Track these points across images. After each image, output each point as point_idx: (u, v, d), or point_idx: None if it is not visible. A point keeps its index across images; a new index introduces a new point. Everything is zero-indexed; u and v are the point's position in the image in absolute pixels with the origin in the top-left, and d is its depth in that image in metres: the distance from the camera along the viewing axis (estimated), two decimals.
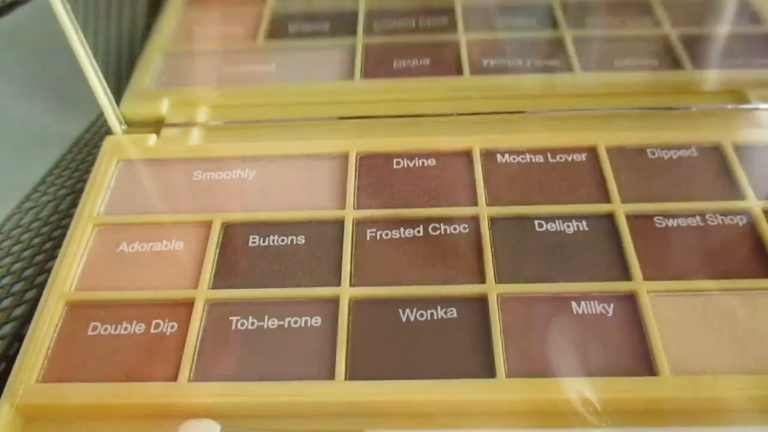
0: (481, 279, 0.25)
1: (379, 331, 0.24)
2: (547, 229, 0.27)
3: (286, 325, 0.25)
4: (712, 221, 0.27)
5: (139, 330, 0.25)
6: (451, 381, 0.22)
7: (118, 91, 0.33)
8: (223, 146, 0.31)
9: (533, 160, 0.30)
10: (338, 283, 0.25)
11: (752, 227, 0.26)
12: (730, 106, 0.31)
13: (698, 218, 0.27)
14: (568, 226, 0.27)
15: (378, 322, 0.24)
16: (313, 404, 0.22)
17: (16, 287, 0.29)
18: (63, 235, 0.28)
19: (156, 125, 0.32)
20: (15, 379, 0.23)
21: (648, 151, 0.30)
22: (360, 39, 0.37)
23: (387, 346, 0.24)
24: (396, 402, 0.22)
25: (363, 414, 0.22)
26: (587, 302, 0.24)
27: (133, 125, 0.33)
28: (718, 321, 0.24)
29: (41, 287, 0.26)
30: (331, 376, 0.23)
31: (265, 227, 0.28)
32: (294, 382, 0.23)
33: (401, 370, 0.23)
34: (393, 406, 0.22)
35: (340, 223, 0.28)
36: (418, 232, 0.27)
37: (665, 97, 0.32)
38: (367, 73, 0.35)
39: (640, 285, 0.24)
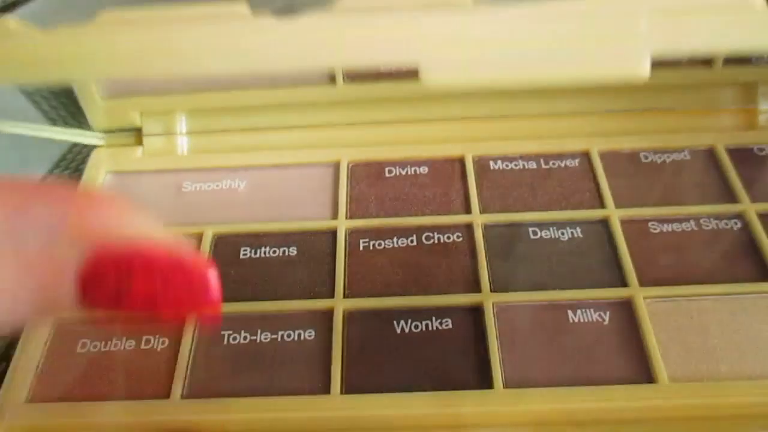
0: (476, 288, 0.25)
1: (373, 343, 0.24)
2: (541, 236, 0.27)
3: (279, 339, 0.24)
4: (707, 226, 0.26)
5: (130, 346, 0.24)
6: (449, 393, 0.22)
7: None
8: (213, 157, 0.31)
9: (526, 167, 0.29)
10: (331, 295, 0.25)
11: (747, 230, 0.26)
12: (733, 107, 0.31)
13: (693, 223, 0.27)
14: (563, 233, 0.27)
15: (372, 334, 0.24)
16: (308, 419, 0.22)
17: None
18: None
19: (136, 132, 0.32)
20: (3, 399, 0.23)
21: (641, 155, 0.29)
22: None
23: (382, 359, 0.23)
24: (393, 416, 0.22)
25: (359, 428, 0.22)
26: (583, 310, 0.24)
27: (112, 131, 0.32)
28: (715, 326, 0.23)
29: None
30: (327, 390, 0.22)
31: (256, 239, 0.27)
32: (289, 397, 0.22)
33: (397, 382, 0.23)
34: (390, 419, 0.22)
35: (332, 234, 0.27)
36: (411, 241, 0.27)
37: (668, 97, 0.31)
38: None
39: (636, 291, 0.24)
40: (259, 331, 0.24)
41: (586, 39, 0.14)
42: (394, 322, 0.24)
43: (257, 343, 0.24)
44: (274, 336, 0.24)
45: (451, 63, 0.14)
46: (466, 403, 0.22)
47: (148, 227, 0.13)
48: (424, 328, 0.24)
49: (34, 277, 0.12)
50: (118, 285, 0.12)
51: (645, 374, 0.22)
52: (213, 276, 0.13)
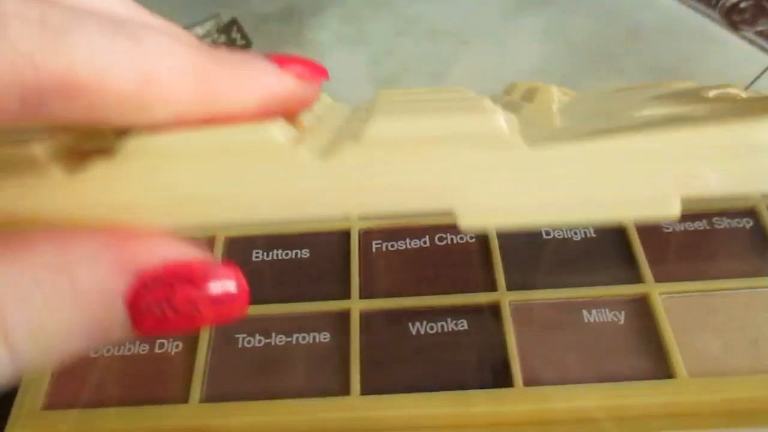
0: (490, 288, 0.25)
1: (389, 345, 0.24)
2: (554, 236, 0.27)
3: (293, 342, 0.24)
4: (719, 224, 0.27)
5: (143, 350, 0.24)
6: (470, 392, 0.22)
7: None
8: None
9: None
10: (345, 296, 0.25)
11: (759, 226, 0.26)
12: None
13: (705, 221, 0.27)
14: (576, 233, 0.27)
15: (388, 336, 0.24)
16: (329, 420, 0.22)
17: None
18: None
19: None
20: (19, 406, 0.22)
21: None
22: None
23: (399, 360, 0.23)
24: (415, 415, 0.22)
25: (381, 429, 0.22)
26: (598, 310, 0.24)
27: None
28: (730, 321, 0.24)
29: None
30: (346, 391, 0.22)
31: (268, 241, 0.27)
32: (309, 399, 0.22)
33: (416, 383, 0.23)
34: (412, 419, 0.22)
35: (345, 235, 0.27)
36: (424, 242, 0.27)
37: None
38: None
39: (651, 288, 0.24)
40: (273, 334, 0.24)
41: (619, 185, 0.14)
42: (409, 324, 0.24)
43: (272, 346, 0.24)
44: (288, 339, 0.24)
45: (488, 210, 0.14)
46: (486, 402, 0.22)
47: (180, 247, 0.14)
48: (439, 330, 0.24)
49: (88, 312, 0.13)
50: (164, 304, 0.14)
51: (663, 370, 0.22)
52: (242, 279, 0.15)
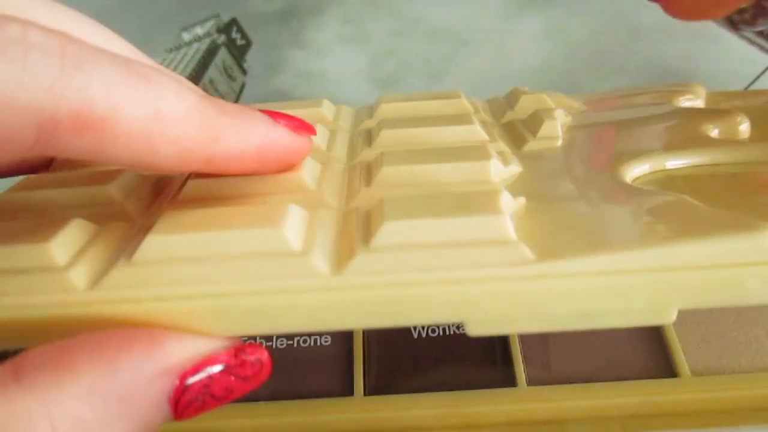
0: None
1: (391, 348, 0.24)
2: None
3: (295, 345, 0.24)
4: None
5: None
6: (474, 392, 0.22)
7: None
8: None
9: None
10: None
11: None
12: None
13: None
14: None
15: (390, 339, 0.24)
16: (333, 421, 0.22)
17: None
18: None
19: None
20: None
21: None
22: None
23: (402, 361, 0.23)
24: (421, 415, 0.22)
25: (385, 429, 0.22)
26: None
27: None
28: (733, 319, 0.24)
29: None
30: (350, 392, 0.22)
31: None
32: (313, 399, 0.22)
33: (419, 384, 0.23)
34: (416, 420, 0.22)
35: None
36: None
37: None
38: None
39: None
40: (274, 338, 0.24)
41: (620, 298, 0.15)
42: (411, 327, 0.24)
43: (273, 349, 0.24)
44: (290, 342, 0.24)
45: (495, 320, 0.15)
46: (490, 402, 0.22)
47: (210, 339, 0.15)
48: (441, 333, 0.24)
49: (136, 419, 0.14)
50: (203, 394, 0.15)
51: (667, 369, 0.22)
52: (266, 354, 0.16)
